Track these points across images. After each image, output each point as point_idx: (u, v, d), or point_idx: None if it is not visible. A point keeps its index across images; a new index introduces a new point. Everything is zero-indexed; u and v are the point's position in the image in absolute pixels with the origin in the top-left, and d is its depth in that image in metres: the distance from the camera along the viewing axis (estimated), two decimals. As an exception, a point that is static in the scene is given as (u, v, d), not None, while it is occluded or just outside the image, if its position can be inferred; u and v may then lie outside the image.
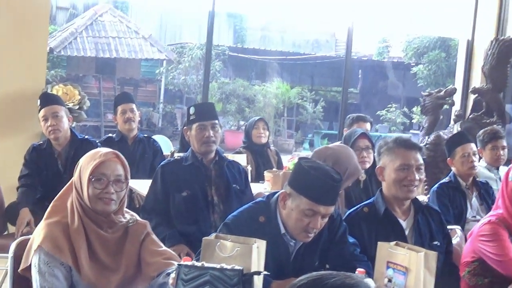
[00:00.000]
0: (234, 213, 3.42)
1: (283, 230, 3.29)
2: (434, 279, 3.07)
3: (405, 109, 21.49)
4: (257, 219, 3.30)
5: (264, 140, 7.10)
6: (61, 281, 3.00)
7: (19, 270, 3.09)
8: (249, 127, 7.21)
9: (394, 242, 3.15)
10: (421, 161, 3.82)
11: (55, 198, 3.19)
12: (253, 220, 3.29)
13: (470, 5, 9.32)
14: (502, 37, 8.08)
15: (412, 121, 21.08)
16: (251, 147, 7.08)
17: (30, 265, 3.03)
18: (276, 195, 3.35)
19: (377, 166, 3.93)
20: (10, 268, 3.18)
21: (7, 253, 3.32)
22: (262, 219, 3.30)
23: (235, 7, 11.14)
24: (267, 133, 7.16)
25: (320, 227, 3.21)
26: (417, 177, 3.75)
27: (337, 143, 7.12)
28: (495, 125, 7.11)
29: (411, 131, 21.42)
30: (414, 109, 20.65)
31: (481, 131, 6.33)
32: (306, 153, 18.78)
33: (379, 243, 3.17)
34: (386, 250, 3.09)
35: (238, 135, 18.67)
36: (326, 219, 3.23)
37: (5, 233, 5.43)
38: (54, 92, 7.02)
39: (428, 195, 5.71)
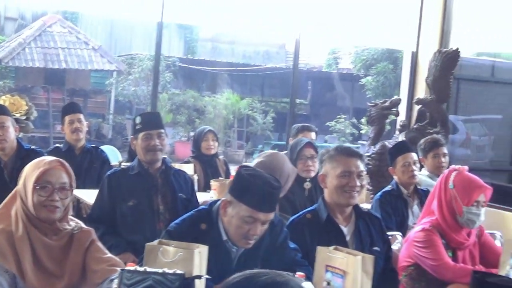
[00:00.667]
0: (177, 221, 3.48)
1: (225, 237, 3.36)
2: (371, 282, 3.18)
3: (354, 120, 21.72)
4: (199, 226, 3.37)
5: (213, 152, 7.15)
6: (5, 288, 3.03)
7: (-37, 278, 3.11)
8: (198, 138, 7.23)
9: (333, 247, 3.25)
10: (362, 168, 3.94)
11: (-1, 207, 3.23)
12: (195, 228, 3.36)
13: (415, 17, 9.51)
14: (445, 49, 8.25)
15: (361, 131, 21.30)
16: (200, 157, 7.13)
17: (-26, 273, 3.05)
18: (218, 203, 3.42)
19: (319, 174, 4.04)
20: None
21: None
22: (203, 227, 3.37)
23: (185, 18, 11.16)
24: (216, 144, 7.20)
25: (260, 233, 3.29)
26: (358, 183, 3.87)
27: (283, 153, 7.24)
28: (435, 134, 7.27)
29: (359, 141, 21.64)
30: (363, 120, 20.88)
31: (422, 140, 6.48)
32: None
33: (318, 247, 3.27)
34: (325, 254, 3.19)
35: (188, 146, 18.60)
36: (266, 226, 3.31)
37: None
38: (1, 102, 6.98)
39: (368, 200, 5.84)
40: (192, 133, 20.06)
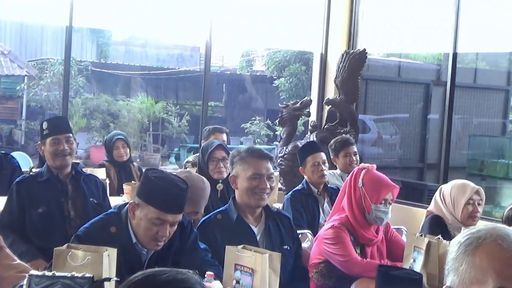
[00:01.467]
0: (86, 225, 3.49)
1: (134, 240, 3.38)
2: (278, 278, 3.26)
3: (269, 122, 21.90)
4: (108, 229, 3.38)
5: (125, 158, 7.14)
6: None
7: None
8: (109, 145, 7.22)
9: (242, 246, 3.32)
10: (272, 171, 4.03)
11: None
12: (104, 231, 3.37)
13: (322, 19, 9.69)
14: (352, 50, 8.43)
15: (276, 133, 21.48)
16: (113, 162, 7.11)
17: None
18: (127, 206, 3.45)
19: (230, 175, 4.10)
20: None
21: None
22: (113, 230, 3.39)
23: (96, 22, 11.06)
24: (127, 150, 7.18)
25: (169, 235, 3.33)
26: (268, 185, 3.95)
27: (195, 155, 7.29)
28: (345, 134, 7.43)
29: (275, 142, 21.81)
30: (277, 121, 21.04)
31: (332, 141, 6.64)
32: (173, 167, 18.86)
33: (227, 247, 3.34)
34: (233, 253, 3.26)
35: (103, 150, 18.44)
36: (175, 227, 3.35)
37: None
38: None
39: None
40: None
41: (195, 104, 23.52)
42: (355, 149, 6.57)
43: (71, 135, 4.69)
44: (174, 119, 21.33)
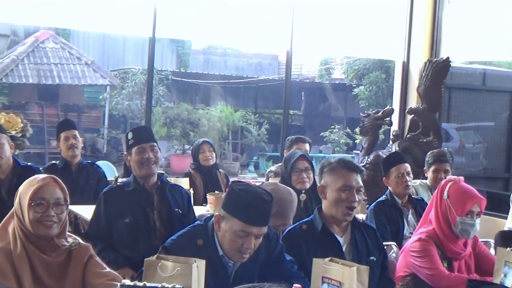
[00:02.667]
0: (173, 237, 3.51)
1: (221, 252, 3.39)
2: (366, 292, 3.22)
3: (348, 130, 21.78)
4: (195, 242, 3.40)
5: (212, 162, 7.18)
6: (6, 306, 3.07)
7: (-36, 297, 3.15)
8: (195, 150, 7.27)
9: (329, 258, 3.29)
10: (361, 184, 3.97)
11: (-2, 226, 3.27)
12: (191, 243, 3.39)
13: (405, 27, 9.59)
14: (436, 59, 8.31)
15: (355, 141, 21.35)
16: (199, 169, 7.16)
17: (-25, 291, 3.10)
18: (213, 218, 3.46)
19: (318, 185, 4.06)
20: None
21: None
22: (200, 242, 3.40)
23: (177, 33, 11.20)
24: (213, 154, 7.22)
25: (254, 247, 3.33)
26: (357, 198, 3.90)
27: (278, 164, 7.28)
28: (445, 148, 7.28)
29: (354, 151, 21.68)
30: (357, 129, 20.90)
31: (429, 152, 6.55)
32: (252, 175, 18.92)
33: (314, 259, 3.31)
34: (321, 266, 3.23)
35: (183, 159, 18.71)
36: (260, 240, 3.35)
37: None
38: (-4, 120, 7.03)
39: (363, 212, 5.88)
40: (187, 146, 20.12)
41: (274, 112, 23.57)
42: (447, 167, 6.39)
43: (155, 144, 4.74)
44: (253, 128, 21.41)
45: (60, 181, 3.27)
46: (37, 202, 3.14)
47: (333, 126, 21.68)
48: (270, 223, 3.70)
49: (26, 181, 3.26)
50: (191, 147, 7.70)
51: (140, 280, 2.82)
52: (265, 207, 3.33)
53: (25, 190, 3.19)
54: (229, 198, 3.40)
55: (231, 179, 6.71)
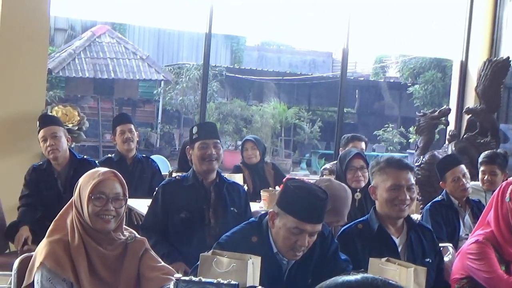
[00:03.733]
0: (228, 233, 3.50)
1: (275, 249, 3.37)
2: (423, 293, 3.16)
3: (402, 129, 21.57)
4: (249, 239, 3.39)
5: (254, 160, 7.14)
6: (63, 297, 3.09)
7: (22, 287, 3.18)
8: (241, 148, 7.32)
9: (385, 258, 3.24)
10: (412, 181, 3.91)
11: (56, 217, 3.30)
12: (246, 240, 3.37)
13: (464, 26, 9.44)
14: (495, 58, 8.18)
15: (409, 140, 21.14)
16: (247, 165, 7.17)
17: (33, 282, 3.12)
18: (268, 215, 3.44)
19: (370, 186, 4.02)
20: (13, 285, 3.27)
21: (9, 270, 3.40)
22: (254, 239, 3.39)
23: (232, 29, 11.22)
24: (256, 152, 7.15)
25: (308, 245, 3.29)
26: (407, 196, 3.83)
27: (333, 162, 7.23)
28: (501, 150, 7.12)
29: (408, 150, 21.46)
30: (411, 129, 20.71)
31: (483, 153, 6.43)
32: (304, 172, 18.89)
33: (370, 259, 3.27)
34: (377, 266, 3.18)
35: (236, 155, 18.65)
36: (314, 237, 3.31)
37: (7, 251, 5.50)
38: (54, 113, 7.12)
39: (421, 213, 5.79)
40: (239, 142, 20.15)
41: (328, 110, 23.45)
42: (495, 169, 6.19)
43: (219, 141, 4.74)
44: (306, 125, 21.34)
45: (120, 176, 3.29)
46: (97, 196, 3.16)
47: (386, 125, 21.49)
48: (325, 220, 3.67)
49: (87, 173, 3.28)
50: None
51: (195, 275, 2.82)
52: (320, 205, 3.29)
53: (86, 183, 3.21)
54: (283, 195, 3.38)
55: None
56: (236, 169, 7.18)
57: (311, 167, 20.89)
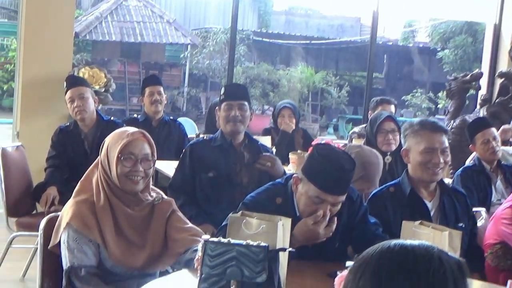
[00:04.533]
0: (253, 193, 3.44)
1: (298, 213, 3.29)
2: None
3: (431, 94, 21.35)
4: (274, 200, 3.32)
5: (288, 129, 6.91)
6: (89, 257, 3.05)
7: (48, 247, 3.15)
8: (276, 113, 7.10)
9: (419, 222, 3.15)
10: (446, 144, 3.79)
11: (83, 177, 3.25)
12: (270, 202, 3.31)
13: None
14: (530, 21, 8.02)
15: (438, 106, 20.96)
16: (277, 131, 7.02)
17: (59, 242, 3.09)
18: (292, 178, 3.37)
19: (402, 148, 3.93)
20: (39, 245, 3.23)
21: (36, 231, 3.37)
22: (279, 201, 3.32)
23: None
24: (293, 120, 6.91)
25: (331, 214, 3.21)
26: (441, 160, 3.72)
27: (362, 126, 7.13)
28: None
29: (436, 116, 21.27)
30: (440, 94, 20.52)
31: None
32: (331, 137, 18.76)
33: (403, 222, 3.18)
34: (410, 229, 3.09)
35: (262, 119, 18.68)
36: (337, 207, 3.22)
37: (34, 212, 5.50)
38: (81, 75, 7.07)
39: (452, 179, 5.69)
40: (266, 107, 20.10)
41: (355, 74, 23.28)
42: None
43: (245, 102, 4.64)
44: (334, 90, 21.21)
45: (149, 136, 3.23)
46: (126, 156, 3.10)
47: (415, 90, 21.30)
48: (356, 186, 3.59)
49: (114, 133, 3.21)
50: (273, 108, 7.50)
51: (223, 236, 2.76)
52: (344, 177, 3.19)
53: (114, 143, 3.15)
54: (309, 161, 3.29)
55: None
56: (266, 132, 7.07)
57: (338, 132, 20.79)
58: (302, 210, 3.26)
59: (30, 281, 5.43)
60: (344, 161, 3.21)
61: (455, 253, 3.04)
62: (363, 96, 9.74)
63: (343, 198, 3.23)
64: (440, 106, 20.83)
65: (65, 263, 3.05)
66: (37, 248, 3.49)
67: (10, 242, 5.25)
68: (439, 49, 21.60)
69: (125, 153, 3.10)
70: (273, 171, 4.56)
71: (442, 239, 2.96)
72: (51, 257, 3.19)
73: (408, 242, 1.46)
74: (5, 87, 19.56)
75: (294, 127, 6.87)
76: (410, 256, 1.43)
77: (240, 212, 2.95)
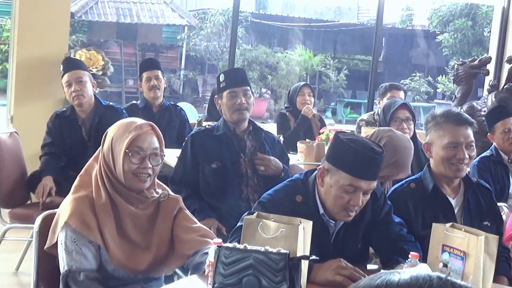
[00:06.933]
0: (270, 191, 3.16)
1: (321, 210, 3.04)
2: (494, 264, 2.82)
3: (430, 78, 21.13)
4: (294, 198, 3.05)
5: (310, 113, 6.80)
6: (89, 260, 2.80)
7: (44, 247, 2.89)
8: (293, 93, 6.92)
9: (450, 224, 2.90)
10: (472, 138, 3.52)
11: (82, 171, 2.98)
12: (289, 200, 3.04)
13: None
14: (541, 4, 7.78)
15: (437, 90, 20.75)
16: (294, 112, 6.83)
17: (57, 242, 2.83)
18: (314, 172, 3.10)
19: (423, 142, 3.67)
20: (35, 245, 2.97)
21: (30, 223, 3.12)
22: (299, 199, 3.05)
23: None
24: (312, 100, 6.89)
25: (362, 204, 2.96)
26: (466, 155, 3.46)
27: (370, 113, 6.89)
28: None
29: (435, 100, 21.10)
30: (439, 78, 20.31)
31: None
32: (329, 121, 18.54)
33: (434, 224, 2.92)
34: (441, 232, 2.84)
35: (260, 102, 18.46)
36: (368, 196, 2.98)
37: (28, 202, 5.24)
38: (77, 57, 6.80)
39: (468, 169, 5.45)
40: (264, 90, 19.85)
41: (354, 58, 23.05)
42: None
43: (248, 88, 4.40)
44: (332, 73, 20.97)
45: (157, 128, 2.97)
46: (135, 151, 2.84)
47: (414, 74, 21.08)
48: (387, 173, 3.36)
49: (120, 124, 2.94)
50: (289, 89, 7.26)
51: (238, 241, 2.52)
52: (376, 159, 2.94)
53: (120, 136, 2.88)
54: (335, 149, 3.02)
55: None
56: (281, 117, 6.87)
57: (336, 115, 20.59)
58: (331, 204, 2.99)
59: (24, 274, 5.18)
60: (373, 144, 3.00)
61: (491, 260, 2.80)
62: (361, 79, 9.50)
63: (375, 184, 2.99)
64: (439, 90, 20.62)
65: (63, 266, 2.80)
66: (31, 241, 3.22)
67: (3, 235, 4.97)
68: (438, 32, 21.35)
69: (133, 148, 2.84)
70: (269, 173, 4.32)
71: (478, 244, 2.71)
72: (47, 257, 2.93)
73: (397, 277, 1.19)
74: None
75: (313, 112, 6.78)
76: None
77: (256, 213, 2.69)
